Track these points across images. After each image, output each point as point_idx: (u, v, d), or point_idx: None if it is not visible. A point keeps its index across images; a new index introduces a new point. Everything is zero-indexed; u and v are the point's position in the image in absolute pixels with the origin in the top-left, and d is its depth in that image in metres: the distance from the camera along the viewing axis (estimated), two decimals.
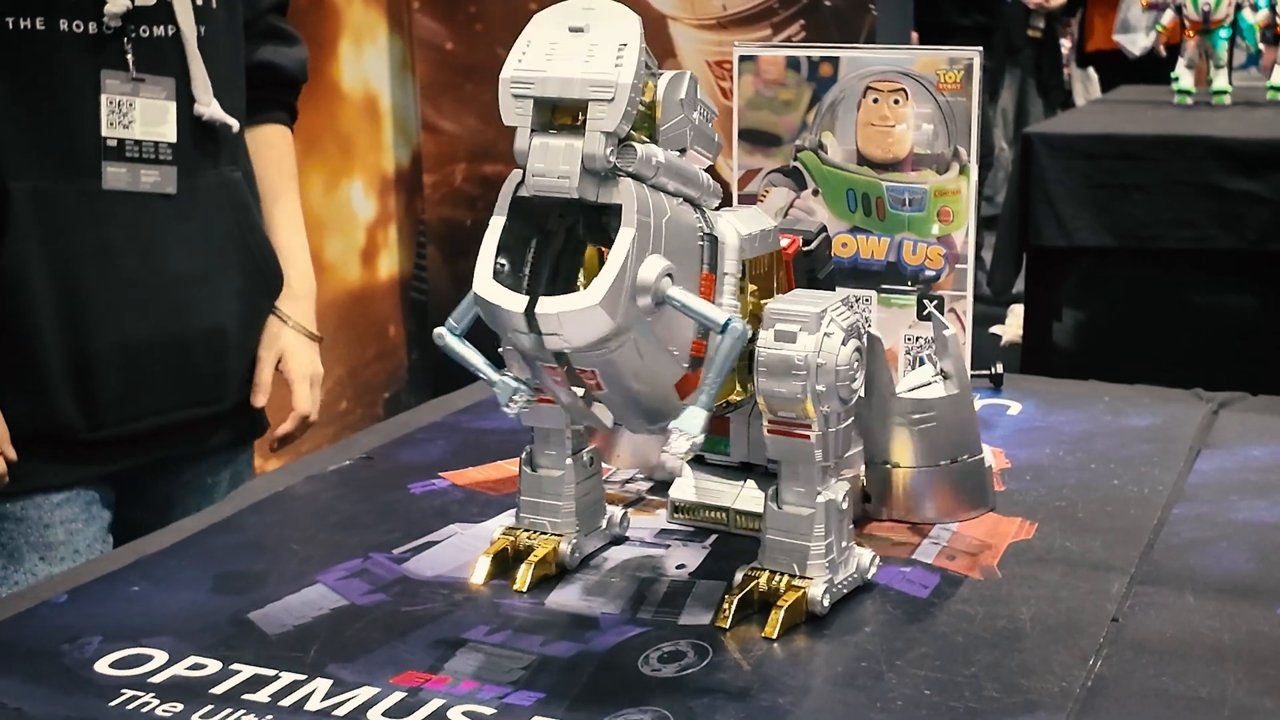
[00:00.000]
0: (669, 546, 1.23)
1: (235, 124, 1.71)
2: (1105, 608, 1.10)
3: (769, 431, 1.08)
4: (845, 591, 1.11)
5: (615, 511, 1.24)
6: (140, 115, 1.62)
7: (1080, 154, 3.44)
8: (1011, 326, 5.07)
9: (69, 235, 1.61)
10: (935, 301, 1.60)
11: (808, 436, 1.06)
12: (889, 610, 1.10)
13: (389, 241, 3.48)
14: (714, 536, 1.25)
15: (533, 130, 0.97)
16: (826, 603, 1.08)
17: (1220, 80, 4.15)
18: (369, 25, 3.39)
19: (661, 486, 1.34)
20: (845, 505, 1.10)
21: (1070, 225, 3.45)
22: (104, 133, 1.61)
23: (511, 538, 1.19)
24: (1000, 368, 1.70)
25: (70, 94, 1.60)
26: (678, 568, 1.19)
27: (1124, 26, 6.50)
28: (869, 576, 1.14)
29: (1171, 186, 3.38)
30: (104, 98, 1.60)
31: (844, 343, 1.05)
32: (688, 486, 1.28)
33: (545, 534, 1.18)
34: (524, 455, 1.20)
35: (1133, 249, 3.43)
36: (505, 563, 1.17)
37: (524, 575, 1.15)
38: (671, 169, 1.01)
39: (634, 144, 0.97)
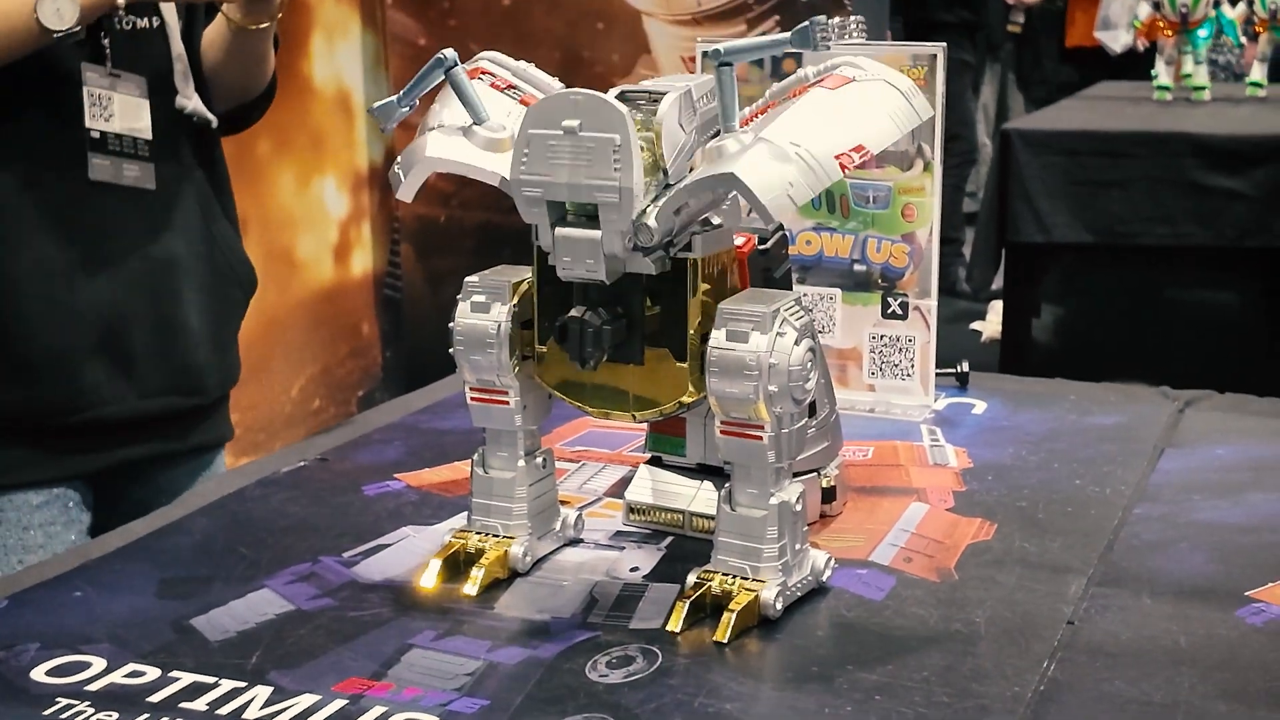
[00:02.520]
0: (623, 549, 1.22)
1: (214, 119, 1.72)
2: (1061, 610, 1.09)
3: (721, 432, 1.06)
4: (799, 594, 1.09)
5: (569, 514, 1.22)
6: (119, 110, 1.63)
7: (1059, 150, 3.43)
8: (991, 322, 5.06)
9: (54, 223, 1.63)
10: (900, 300, 1.59)
11: (760, 438, 1.05)
12: (843, 614, 1.09)
13: (362, 238, 3.46)
14: (669, 539, 1.23)
15: (553, 224, 1.02)
16: (779, 606, 1.07)
17: (1199, 76, 4.15)
18: (341, 21, 3.36)
19: (620, 486, 1.32)
20: (799, 508, 1.08)
21: (1049, 222, 3.44)
22: (87, 124, 1.61)
23: (462, 540, 1.17)
24: (965, 366, 1.69)
25: (55, 85, 1.61)
26: (631, 570, 1.17)
27: (1105, 23, 6.50)
28: (824, 579, 1.12)
29: (1150, 183, 3.38)
30: (85, 90, 1.61)
31: (797, 342, 1.03)
32: (644, 488, 1.26)
33: (497, 536, 1.17)
34: (476, 456, 1.18)
35: (1111, 245, 3.43)
36: (456, 566, 1.16)
37: (475, 579, 1.13)
38: (690, 204, 1.03)
39: (646, 222, 1.00)
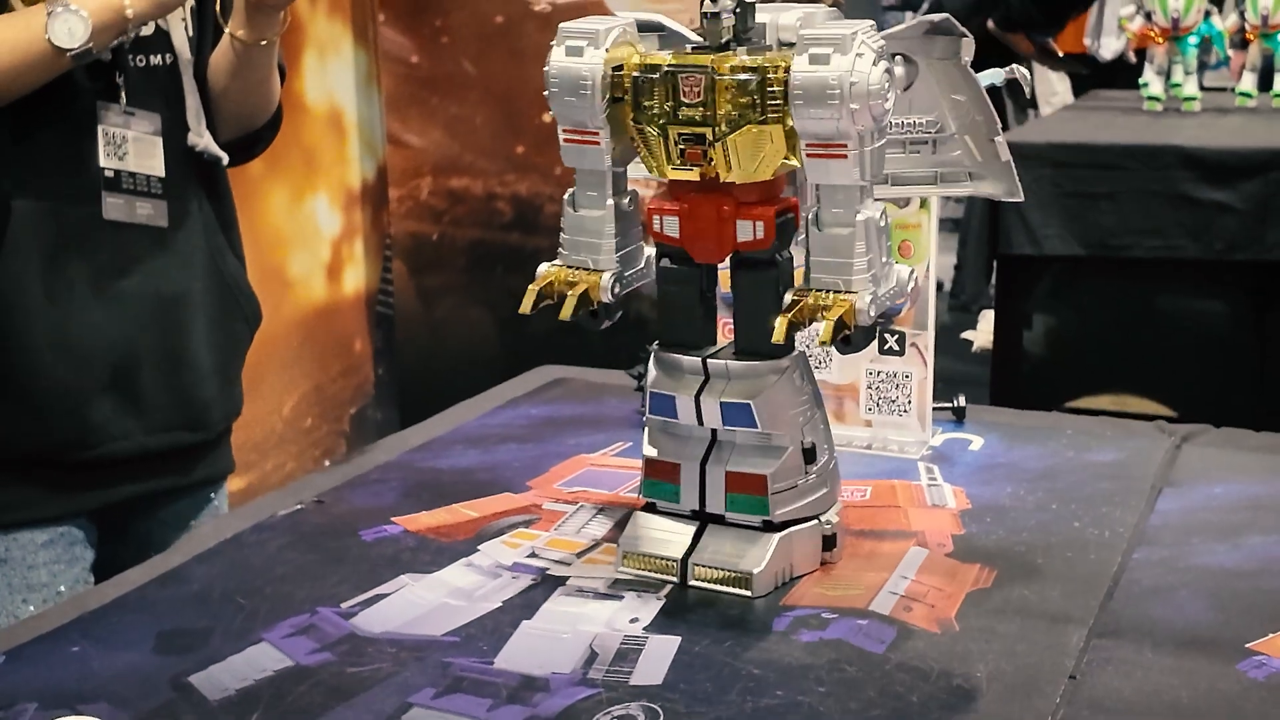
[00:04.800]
0: (622, 598, 1.21)
1: (224, 156, 1.72)
2: (1063, 663, 1.08)
3: (808, 155, 1.12)
4: (888, 304, 1.13)
5: (650, 252, 1.25)
6: (133, 148, 1.63)
7: (1049, 162, 3.43)
8: (983, 332, 5.07)
9: (66, 260, 1.63)
10: (897, 336, 1.59)
11: (845, 156, 1.10)
12: (844, 668, 1.09)
13: (354, 256, 3.45)
14: (669, 588, 1.23)
15: None
16: (872, 312, 1.11)
17: (1190, 87, 4.15)
18: (333, 38, 3.35)
19: (617, 531, 1.32)
20: (883, 223, 1.13)
21: (1040, 234, 3.44)
22: (102, 163, 1.62)
23: (555, 274, 1.21)
24: (962, 400, 1.69)
25: (72, 123, 1.62)
26: (631, 621, 1.17)
27: (1095, 30, 6.51)
28: (909, 290, 1.15)
29: (1140, 196, 3.38)
30: (100, 129, 1.61)
31: (875, 63, 1.09)
32: (637, 535, 1.26)
33: (587, 270, 1.20)
34: (567, 196, 1.22)
35: (1102, 258, 3.43)
36: (550, 296, 1.20)
37: (568, 305, 1.18)
38: None
39: None
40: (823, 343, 1.10)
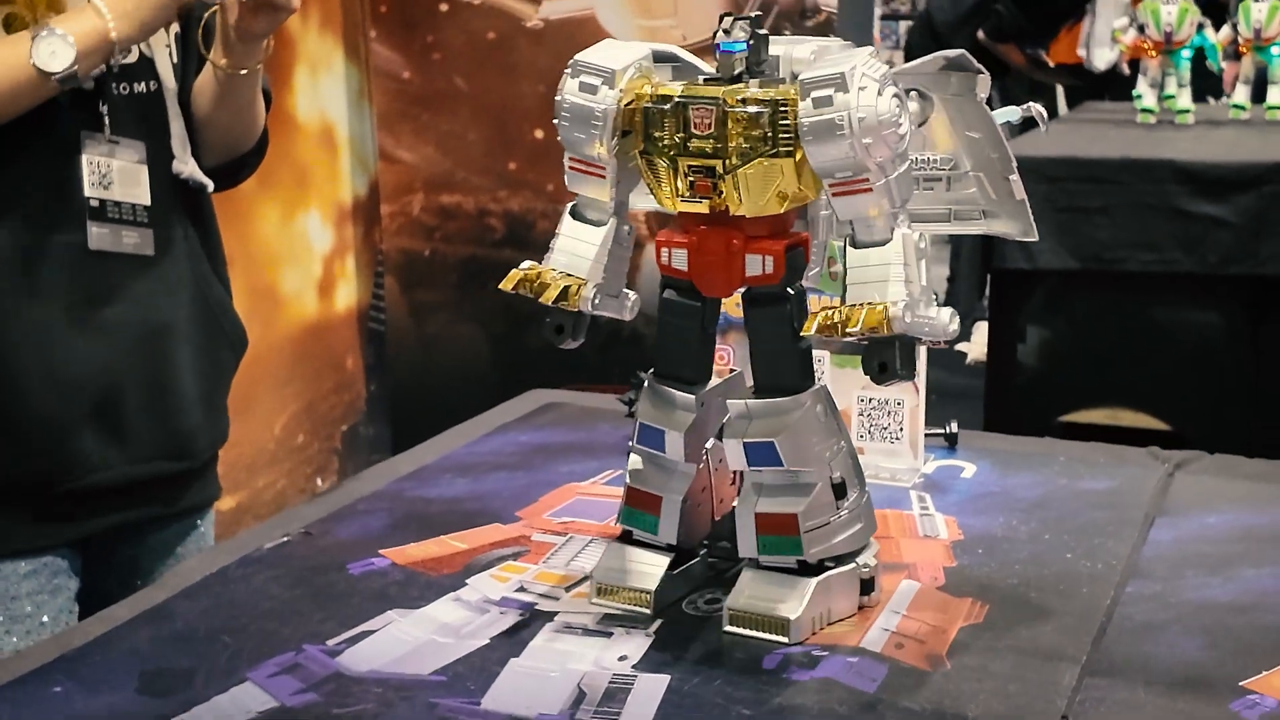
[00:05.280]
0: (611, 634, 1.20)
1: (210, 183, 1.71)
2: (1055, 703, 1.07)
3: (833, 195, 1.11)
4: (925, 326, 1.10)
5: (632, 295, 1.23)
6: (118, 177, 1.62)
7: (1043, 177, 3.42)
8: (977, 344, 5.06)
9: (51, 290, 1.62)
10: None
11: (870, 189, 1.10)
12: (835, 709, 1.07)
13: (346, 272, 3.44)
14: (658, 623, 1.22)
15: None
16: (908, 318, 1.08)
17: (1183, 99, 4.15)
18: (325, 54, 3.35)
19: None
20: (923, 245, 1.12)
21: (1034, 248, 3.44)
22: (86, 193, 1.60)
23: (538, 269, 1.20)
24: (955, 426, 1.68)
25: (56, 153, 1.60)
26: (619, 659, 1.16)
27: (1089, 40, 6.51)
28: (949, 330, 1.11)
29: (1134, 209, 3.38)
30: (84, 158, 1.59)
31: (880, 93, 1.08)
32: (612, 567, 1.25)
33: (572, 276, 1.20)
34: (570, 205, 1.22)
35: (1096, 271, 3.43)
36: (530, 283, 1.19)
37: (551, 290, 1.18)
38: None
39: None
40: (848, 331, 1.09)
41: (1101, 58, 6.40)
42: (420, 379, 3.49)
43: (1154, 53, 4.17)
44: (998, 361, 3.66)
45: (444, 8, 3.36)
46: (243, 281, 3.04)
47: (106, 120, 1.61)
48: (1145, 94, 4.20)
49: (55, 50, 1.49)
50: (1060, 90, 6.45)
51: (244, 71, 1.67)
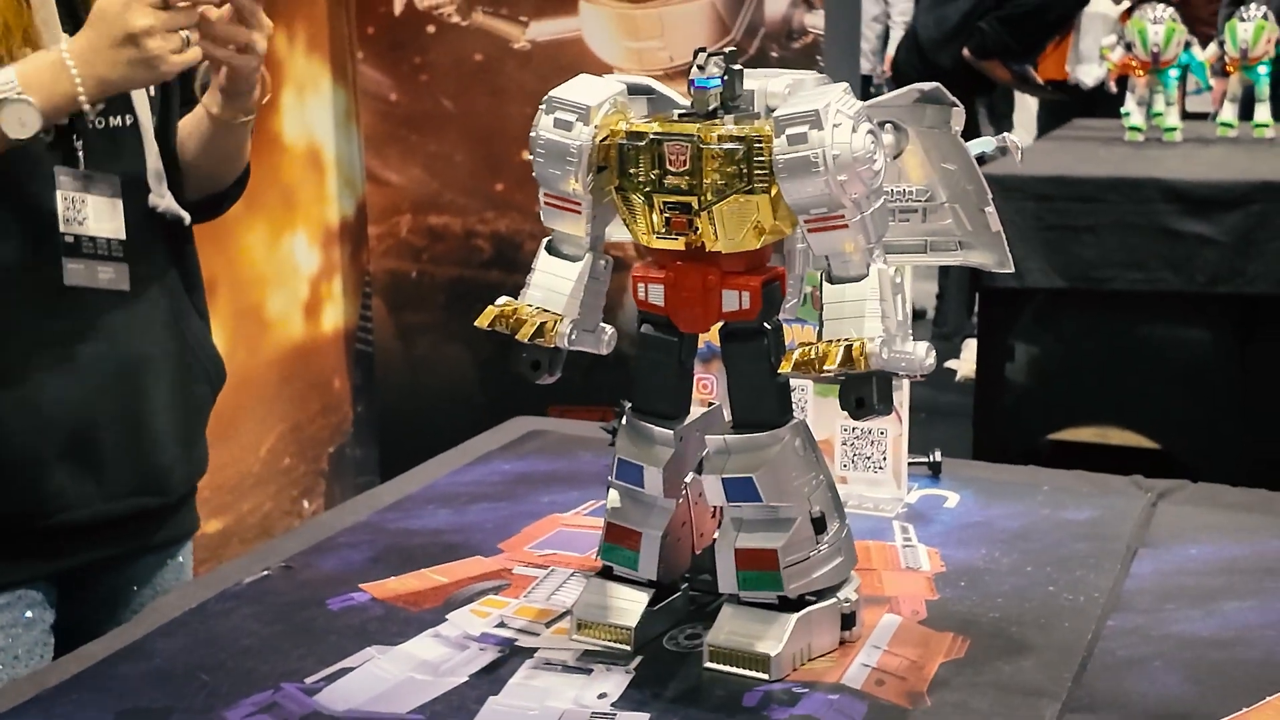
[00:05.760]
0: (591, 670, 1.20)
1: (187, 216, 1.69)
2: None
3: (810, 231, 1.11)
4: (901, 363, 1.09)
5: (609, 329, 1.23)
6: (92, 212, 1.60)
7: (1031, 195, 3.43)
8: (966, 361, 5.07)
9: (25, 326, 1.60)
10: None
11: (846, 225, 1.10)
12: None
13: (333, 294, 3.44)
14: (638, 659, 1.21)
15: None
16: (884, 355, 1.08)
17: (1171, 117, 4.16)
18: (312, 76, 3.34)
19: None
20: (899, 280, 1.12)
21: (1022, 267, 3.44)
22: (61, 229, 1.58)
23: (514, 304, 1.19)
24: (938, 455, 1.68)
25: (30, 188, 1.58)
26: (599, 697, 1.15)
27: (1077, 57, 6.53)
28: (925, 364, 1.11)
29: (1122, 228, 3.38)
30: (59, 194, 1.58)
31: (854, 130, 1.08)
32: (590, 602, 1.24)
33: (548, 312, 1.19)
34: (546, 241, 1.21)
35: (1084, 290, 3.43)
36: (506, 321, 1.18)
37: (527, 328, 1.17)
38: None
39: None
40: (826, 368, 1.08)
41: (1088, 74, 6.43)
42: (408, 400, 3.48)
43: (1141, 72, 4.18)
44: (986, 379, 3.67)
45: (431, 29, 3.35)
46: (229, 304, 3.05)
47: (81, 155, 1.59)
48: (1133, 112, 4.21)
49: (24, 119, 1.47)
50: (1037, 108, 6.48)
51: (239, 120, 1.67)
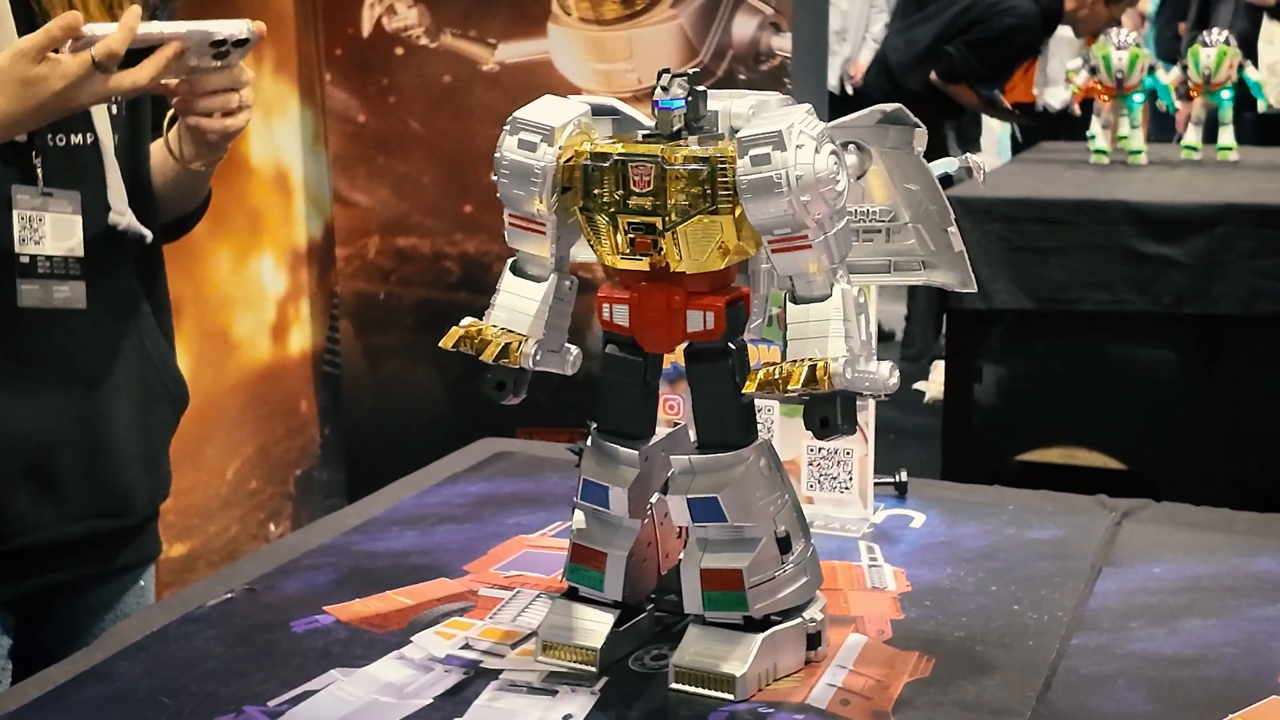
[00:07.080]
0: (556, 692, 1.19)
1: (149, 234, 1.67)
2: None
3: (773, 251, 1.12)
4: (865, 382, 1.09)
5: (574, 350, 1.23)
6: (50, 229, 1.58)
7: (998, 217, 3.45)
8: (935, 382, 5.09)
9: None
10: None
11: (809, 245, 1.10)
12: None
13: (300, 316, 3.43)
14: (604, 680, 1.21)
15: None
16: (848, 374, 1.08)
17: (1136, 140, 4.20)
18: (280, 97, 3.34)
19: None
20: (861, 300, 1.13)
21: (989, 288, 3.46)
22: (17, 249, 1.56)
23: (479, 325, 1.19)
24: (904, 475, 1.68)
25: None
26: (564, 718, 1.15)
27: (1044, 80, 6.59)
28: (890, 383, 1.11)
29: (1088, 250, 3.41)
30: (15, 214, 1.56)
31: (817, 151, 1.09)
32: (555, 624, 1.24)
33: (513, 333, 1.19)
34: (511, 261, 1.21)
35: (1051, 311, 3.45)
36: (470, 342, 1.18)
37: (492, 348, 1.17)
38: None
39: None
40: (791, 388, 1.08)
41: (1056, 97, 6.49)
42: (376, 422, 3.47)
43: (1106, 97, 4.22)
44: (955, 400, 3.68)
45: (400, 51, 3.36)
46: (195, 326, 3.03)
47: (40, 173, 1.57)
48: (1098, 134, 4.25)
49: None
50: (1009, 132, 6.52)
51: (204, 167, 1.66)
